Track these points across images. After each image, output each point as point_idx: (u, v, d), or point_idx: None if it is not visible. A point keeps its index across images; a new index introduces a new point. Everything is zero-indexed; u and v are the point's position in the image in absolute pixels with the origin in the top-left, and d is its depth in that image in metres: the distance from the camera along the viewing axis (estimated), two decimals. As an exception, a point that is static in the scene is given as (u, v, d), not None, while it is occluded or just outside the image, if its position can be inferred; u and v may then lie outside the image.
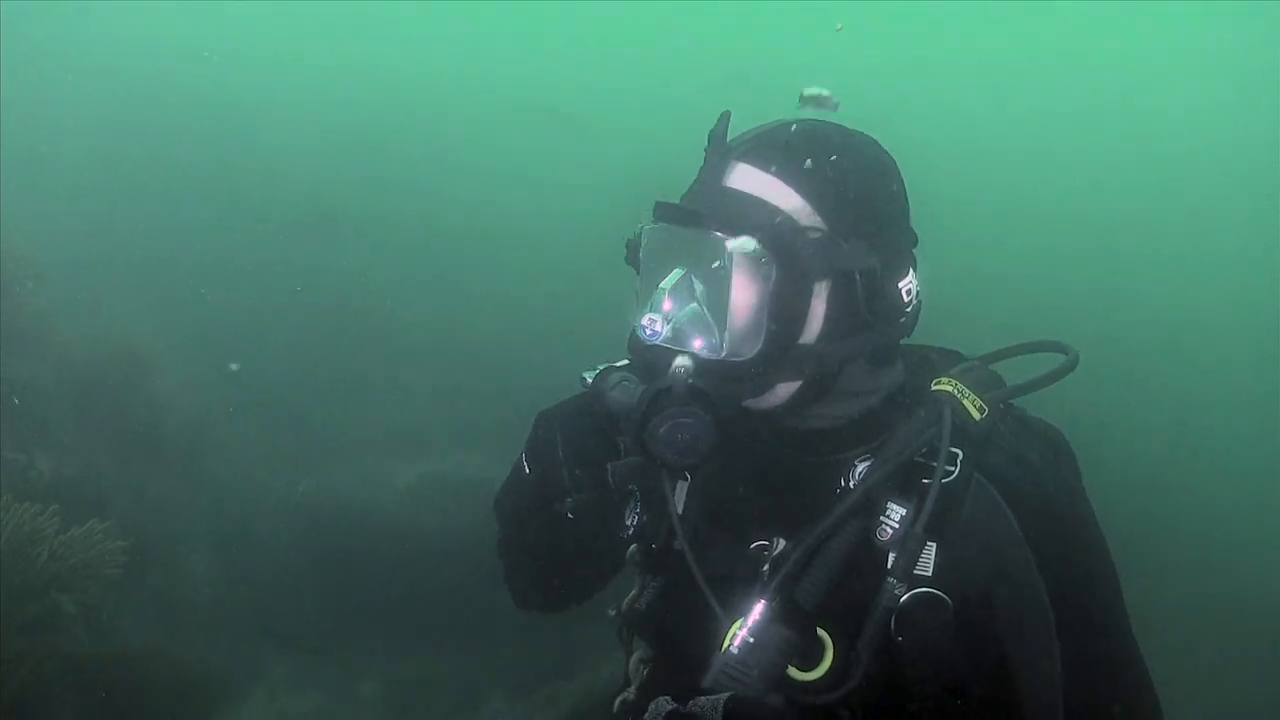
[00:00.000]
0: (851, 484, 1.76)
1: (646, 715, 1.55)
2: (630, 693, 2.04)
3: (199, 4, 16.79)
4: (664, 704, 1.57)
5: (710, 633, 1.73)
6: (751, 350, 1.68)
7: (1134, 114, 21.18)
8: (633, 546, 2.03)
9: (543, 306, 11.75)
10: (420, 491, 8.25)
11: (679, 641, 1.90)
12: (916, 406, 1.77)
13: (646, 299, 1.78)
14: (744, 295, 1.69)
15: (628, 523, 1.96)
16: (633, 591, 2.11)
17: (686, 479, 1.88)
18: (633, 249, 1.85)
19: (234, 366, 8.26)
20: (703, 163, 1.79)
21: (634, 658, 2.09)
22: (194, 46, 15.24)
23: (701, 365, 1.69)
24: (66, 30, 13.54)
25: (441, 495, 8.30)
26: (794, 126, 1.80)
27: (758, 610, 1.64)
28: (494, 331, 11.14)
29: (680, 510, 1.87)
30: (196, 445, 7.43)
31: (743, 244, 1.66)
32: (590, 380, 1.85)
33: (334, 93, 15.62)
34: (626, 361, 1.88)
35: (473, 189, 14.43)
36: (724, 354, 1.69)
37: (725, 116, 1.81)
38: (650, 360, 1.73)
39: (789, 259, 1.66)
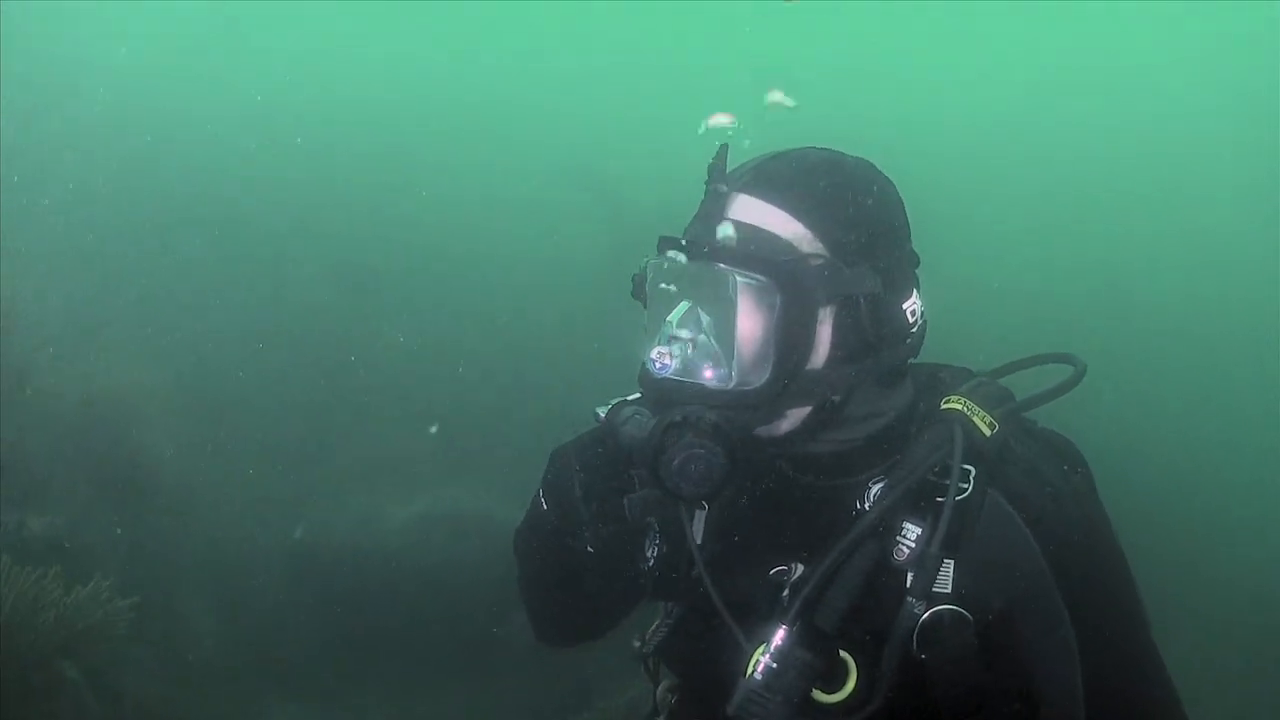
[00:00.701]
0: (867, 506, 1.77)
1: None
2: None
3: (186, 34, 16.67)
4: None
5: (734, 659, 1.75)
6: (760, 379, 1.70)
7: (1132, 121, 21.17)
8: (653, 577, 2.03)
9: (529, 336, 11.68)
10: (418, 529, 8.16)
11: (703, 670, 1.90)
12: (927, 426, 1.79)
13: (654, 332, 1.80)
14: (750, 325, 1.71)
15: (648, 554, 1.96)
16: (655, 622, 2.11)
17: (704, 508, 1.90)
18: (638, 283, 1.87)
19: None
20: (703, 196, 1.80)
21: (661, 687, 2.11)
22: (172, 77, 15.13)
23: (711, 396, 1.71)
24: (57, 67, 13.39)
25: (439, 531, 8.22)
26: (791, 155, 1.82)
27: (779, 636, 1.66)
28: (480, 362, 11.06)
29: (699, 540, 1.90)
30: (189, 492, 7.33)
31: (746, 275, 1.69)
32: (603, 415, 1.85)
33: (322, 121, 15.53)
34: (638, 395, 1.88)
35: (456, 215, 14.35)
36: (733, 384, 1.71)
37: (723, 150, 1.82)
38: (661, 393, 1.74)
39: (793, 287, 1.68)
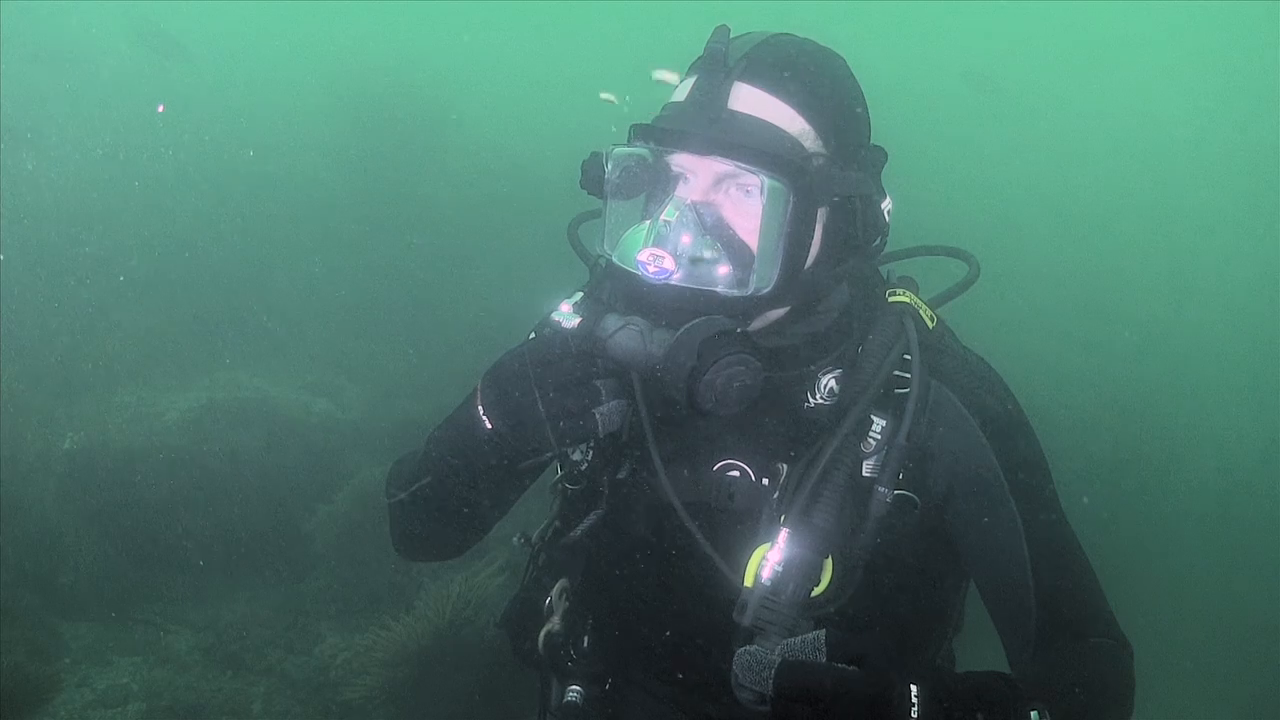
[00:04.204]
0: (818, 397, 1.82)
1: (740, 666, 1.42)
2: (555, 623, 2.06)
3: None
4: (761, 654, 1.43)
5: (685, 559, 1.80)
6: (768, 284, 1.68)
7: (1125, 120, 20.97)
8: (556, 479, 2.03)
9: (272, 215, 11.04)
10: (197, 422, 7.70)
11: (630, 571, 1.92)
12: (876, 318, 1.85)
13: (629, 230, 1.74)
14: (767, 228, 1.68)
15: (575, 458, 1.92)
16: (546, 523, 2.12)
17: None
18: (595, 172, 1.77)
19: None
20: (695, 81, 1.72)
21: (556, 588, 2.09)
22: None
23: (728, 304, 1.67)
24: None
25: (219, 421, 7.80)
26: (782, 43, 1.77)
27: (781, 539, 1.67)
28: (233, 240, 10.37)
29: (626, 437, 1.87)
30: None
31: (771, 176, 1.64)
32: (567, 324, 1.74)
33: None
34: (581, 295, 1.83)
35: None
36: (751, 289, 1.68)
37: (724, 32, 1.72)
38: (666, 301, 1.66)
39: (805, 189, 1.66)
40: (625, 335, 1.65)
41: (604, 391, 1.71)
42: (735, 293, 1.67)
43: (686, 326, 1.60)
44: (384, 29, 19.73)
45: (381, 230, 10.97)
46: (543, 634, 2.07)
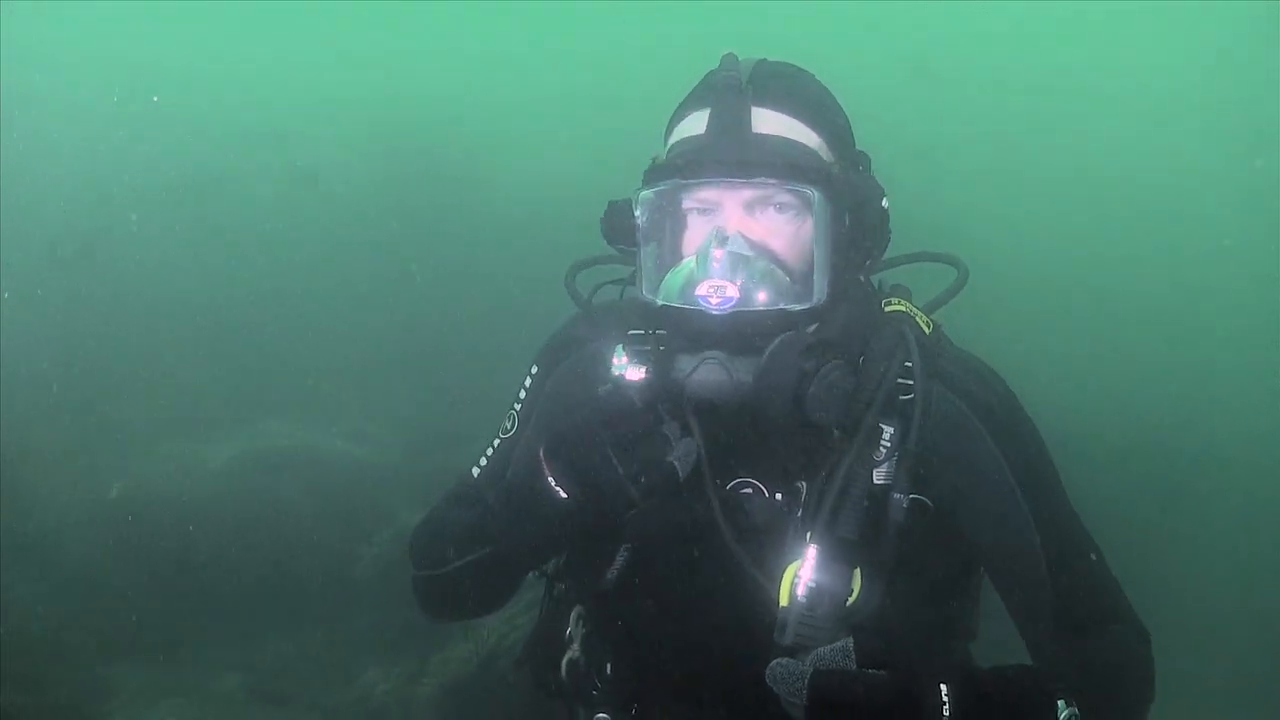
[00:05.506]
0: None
1: (773, 678, 1.46)
2: (575, 651, 2.05)
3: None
4: (794, 665, 1.47)
5: (718, 581, 1.79)
6: (825, 292, 1.73)
7: (1126, 118, 20.91)
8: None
9: (311, 259, 11.27)
10: (238, 470, 7.89)
11: (657, 596, 1.89)
12: (877, 327, 1.86)
13: (668, 271, 1.77)
14: (817, 238, 1.73)
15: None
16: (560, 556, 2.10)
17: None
18: (622, 221, 1.81)
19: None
20: (710, 111, 1.76)
21: (573, 614, 2.08)
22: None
23: (799, 318, 1.71)
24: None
25: (261, 469, 7.99)
26: (773, 64, 1.83)
27: (811, 554, 1.68)
28: (267, 293, 10.60)
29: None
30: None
31: (818, 190, 1.69)
32: (632, 376, 1.73)
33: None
34: (621, 347, 1.79)
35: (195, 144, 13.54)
36: (814, 300, 1.72)
37: (734, 60, 1.78)
38: (740, 329, 1.67)
39: (837, 196, 1.72)
40: (707, 370, 1.65)
41: (672, 437, 1.73)
42: (799, 306, 1.71)
43: (773, 346, 1.64)
44: (423, 76, 19.85)
45: (418, 277, 11.13)
46: (564, 662, 2.06)
